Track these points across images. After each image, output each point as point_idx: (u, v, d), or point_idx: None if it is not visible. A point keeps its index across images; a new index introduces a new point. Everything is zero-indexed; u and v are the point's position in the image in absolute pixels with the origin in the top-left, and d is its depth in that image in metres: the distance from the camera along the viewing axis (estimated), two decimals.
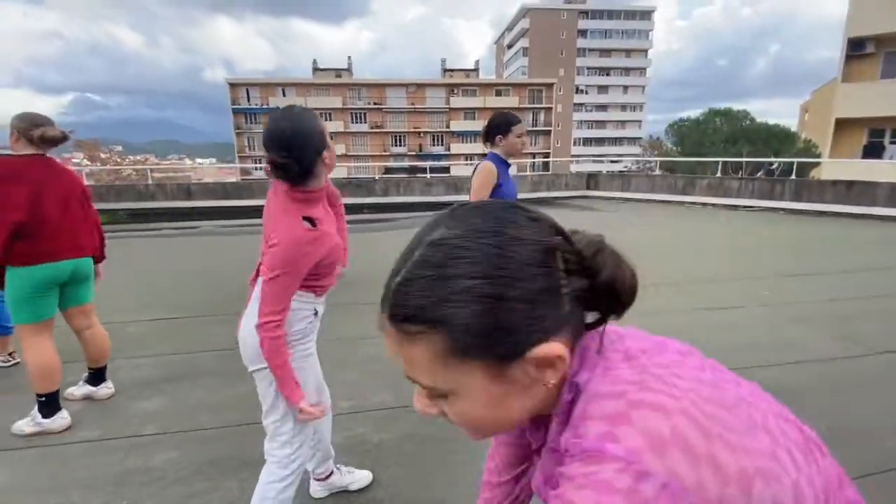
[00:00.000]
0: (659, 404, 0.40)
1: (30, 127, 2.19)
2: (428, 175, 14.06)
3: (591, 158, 45.41)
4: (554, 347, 0.43)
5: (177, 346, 3.39)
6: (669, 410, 0.40)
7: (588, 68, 66.81)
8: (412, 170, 32.21)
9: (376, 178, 14.32)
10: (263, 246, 1.36)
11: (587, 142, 66.06)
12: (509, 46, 70.69)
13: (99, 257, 2.53)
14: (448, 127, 50.76)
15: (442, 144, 50.68)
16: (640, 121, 69.60)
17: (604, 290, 0.46)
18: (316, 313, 1.51)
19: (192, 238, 8.84)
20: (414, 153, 49.20)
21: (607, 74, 67.76)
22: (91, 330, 2.53)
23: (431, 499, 1.86)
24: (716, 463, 0.39)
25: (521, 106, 50.11)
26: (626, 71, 67.95)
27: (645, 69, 68.58)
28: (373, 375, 2.88)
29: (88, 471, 2.02)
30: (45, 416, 2.28)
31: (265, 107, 48.45)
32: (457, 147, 50.46)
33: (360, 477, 1.93)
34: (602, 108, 68.09)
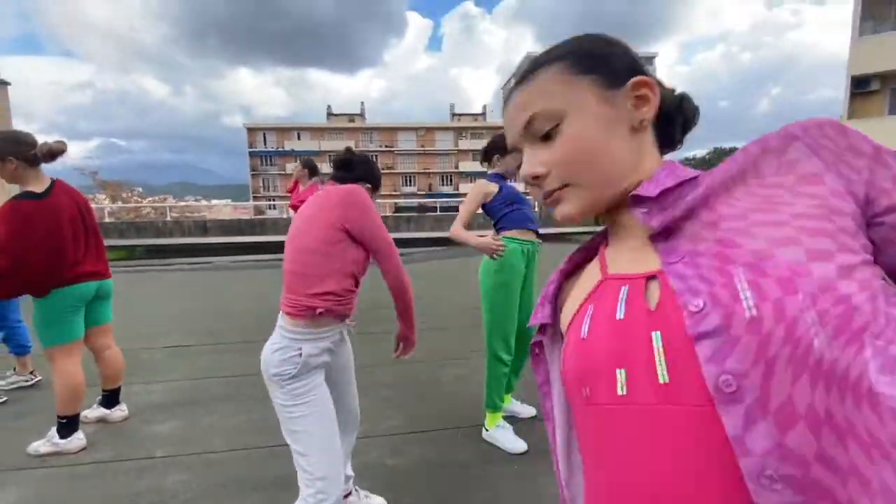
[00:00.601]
0: None
1: (27, 147, 2.17)
2: (438, 211, 14.29)
3: None
4: (647, 78, 0.48)
5: (189, 372, 3.42)
6: None
7: None
8: (421, 208, 32.79)
9: (388, 214, 14.57)
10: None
11: None
12: None
13: None
14: (457, 168, 51.95)
15: (451, 184, 51.73)
16: None
17: (678, 106, 0.53)
18: (300, 355, 1.37)
19: (206, 273, 8.99)
20: (423, 193, 50.19)
21: None
22: (110, 350, 2.59)
23: None
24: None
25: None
26: None
27: None
28: (385, 401, 2.87)
29: (100, 491, 2.02)
30: (62, 436, 2.31)
31: (280, 149, 50.28)
32: (465, 187, 51.34)
33: (375, 503, 1.90)
34: None
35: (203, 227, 11.93)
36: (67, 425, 2.32)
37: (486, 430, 2.39)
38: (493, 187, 2.36)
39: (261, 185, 50.60)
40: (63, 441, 2.30)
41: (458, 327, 4.48)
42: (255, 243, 11.51)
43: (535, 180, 0.51)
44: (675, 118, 0.53)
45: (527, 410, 2.64)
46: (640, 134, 0.50)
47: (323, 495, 1.36)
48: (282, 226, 12.65)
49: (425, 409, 2.77)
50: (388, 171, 51.12)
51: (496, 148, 2.44)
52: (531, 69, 0.51)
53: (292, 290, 1.41)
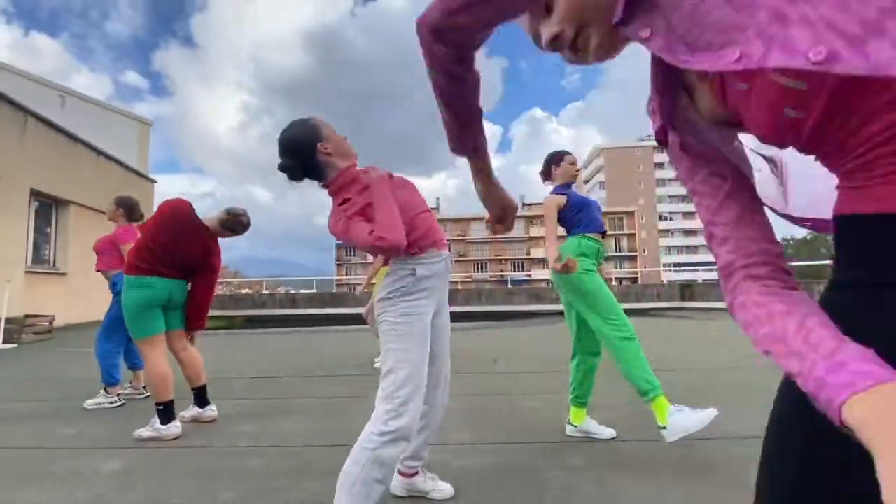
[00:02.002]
0: None
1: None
2: (509, 285, 14.22)
3: (685, 268, 42.92)
4: None
5: (272, 393, 3.61)
6: None
7: (670, 196, 67.27)
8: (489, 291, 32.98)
9: (459, 287, 14.80)
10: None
11: (679, 267, 62.93)
12: (586, 181, 74.63)
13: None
14: (528, 254, 52.37)
15: (523, 270, 51.75)
16: None
17: None
18: (414, 273, 1.51)
19: (295, 334, 9.59)
20: (496, 279, 50.56)
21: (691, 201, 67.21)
22: (185, 351, 2.88)
23: None
24: None
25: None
26: None
27: None
28: (455, 422, 2.79)
29: (189, 467, 2.15)
30: (162, 423, 2.53)
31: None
32: (538, 273, 51.07)
33: (443, 487, 1.82)
34: (691, 233, 66.27)
35: (292, 300, 13.04)
36: (164, 412, 2.55)
37: (574, 426, 2.45)
38: (562, 198, 2.50)
39: (344, 272, 54.47)
40: (163, 427, 2.52)
41: (530, 372, 4.32)
42: (339, 315, 12.19)
43: (556, 42, 0.54)
44: None
45: (605, 432, 2.42)
46: None
47: (399, 412, 1.36)
48: (363, 300, 13.49)
49: (498, 428, 2.65)
50: (461, 258, 52.76)
51: (549, 162, 2.60)
52: None
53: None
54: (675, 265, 61.37)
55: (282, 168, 1.55)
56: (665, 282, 17.83)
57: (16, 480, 2.00)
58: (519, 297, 13.15)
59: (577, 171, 2.59)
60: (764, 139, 0.47)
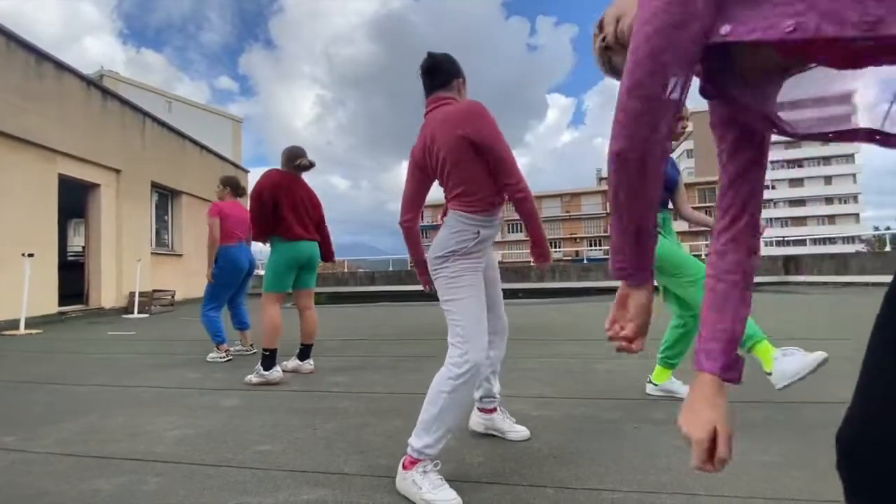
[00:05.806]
0: None
1: (291, 159, 3.15)
2: (585, 261, 13.77)
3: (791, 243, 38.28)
4: None
5: (358, 352, 3.92)
6: None
7: (772, 162, 59.87)
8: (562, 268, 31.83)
9: (531, 264, 14.61)
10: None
11: (782, 243, 56.24)
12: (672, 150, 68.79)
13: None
14: (607, 231, 49.77)
15: (600, 247, 49.45)
16: (856, 214, 57.32)
17: None
18: (478, 234, 1.57)
19: (372, 307, 10.17)
20: (570, 258, 48.92)
21: (800, 166, 59.40)
22: (310, 311, 3.23)
23: (588, 457, 1.70)
24: None
25: (692, 206, 46.73)
26: (826, 160, 58.62)
27: (853, 155, 58.12)
28: (534, 379, 2.85)
29: (293, 405, 2.44)
30: (265, 368, 2.87)
31: (435, 224, 55.49)
32: None
33: (519, 429, 1.89)
34: (798, 202, 58.75)
35: (371, 278, 13.81)
36: (269, 358, 2.88)
37: (655, 385, 2.34)
38: None
39: None
40: (266, 372, 2.86)
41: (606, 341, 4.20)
42: (412, 292, 12.67)
43: None
44: None
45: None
46: None
47: (468, 356, 1.47)
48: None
49: (576, 386, 2.66)
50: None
51: None
52: None
53: (471, 194, 1.57)
54: (777, 239, 54.72)
55: (428, 63, 1.69)
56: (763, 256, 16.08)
57: (159, 410, 2.41)
58: (596, 273, 12.67)
59: (685, 128, 2.18)
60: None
